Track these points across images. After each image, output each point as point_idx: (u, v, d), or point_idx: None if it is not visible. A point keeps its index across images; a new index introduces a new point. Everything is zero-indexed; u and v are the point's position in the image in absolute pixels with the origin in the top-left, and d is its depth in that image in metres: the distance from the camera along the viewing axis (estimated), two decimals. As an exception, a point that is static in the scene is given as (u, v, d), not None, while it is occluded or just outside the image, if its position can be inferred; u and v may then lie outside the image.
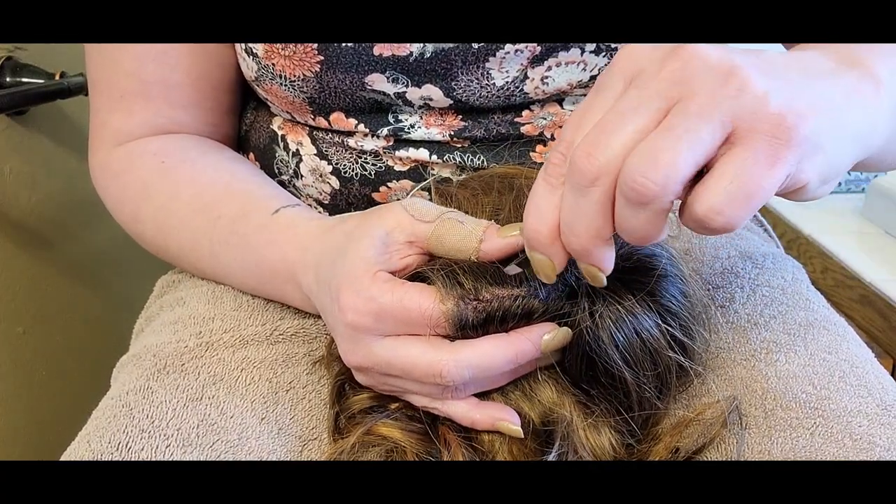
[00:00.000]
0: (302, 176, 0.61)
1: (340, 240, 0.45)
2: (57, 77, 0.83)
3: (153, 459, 0.42)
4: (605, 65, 0.55)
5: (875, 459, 0.40)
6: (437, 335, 0.41)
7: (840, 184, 1.23)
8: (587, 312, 0.41)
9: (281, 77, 0.55)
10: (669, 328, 0.42)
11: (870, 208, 1.15)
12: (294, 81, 0.55)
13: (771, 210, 1.22)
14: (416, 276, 0.43)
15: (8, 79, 0.82)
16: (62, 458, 0.44)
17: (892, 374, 0.95)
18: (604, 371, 0.42)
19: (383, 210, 0.44)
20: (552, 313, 0.41)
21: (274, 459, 0.44)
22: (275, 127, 0.62)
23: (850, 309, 1.02)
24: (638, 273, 0.42)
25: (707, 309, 0.47)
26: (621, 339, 0.41)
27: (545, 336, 0.41)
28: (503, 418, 0.42)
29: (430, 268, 0.42)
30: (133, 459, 0.42)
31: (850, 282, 1.02)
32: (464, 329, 0.41)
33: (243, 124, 0.66)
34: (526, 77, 0.54)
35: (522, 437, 0.42)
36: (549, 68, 0.54)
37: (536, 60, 0.54)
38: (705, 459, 0.44)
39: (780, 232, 1.18)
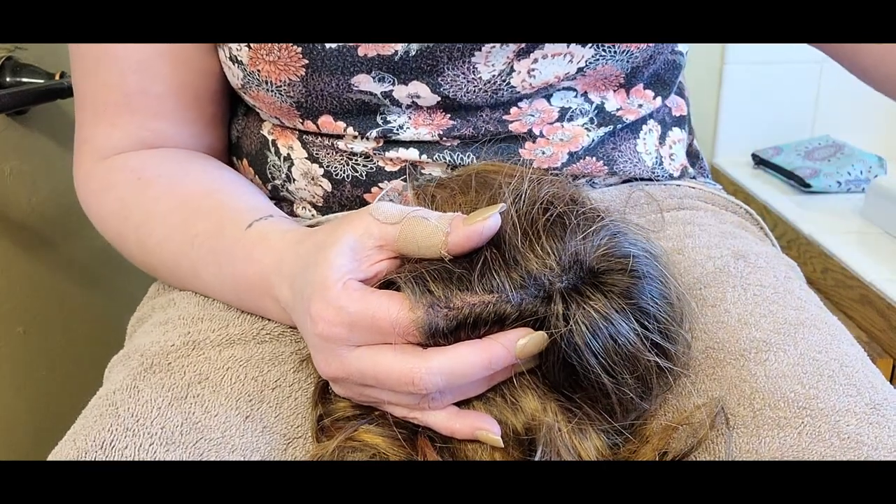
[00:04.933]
0: (294, 180, 0.61)
1: (312, 251, 0.44)
2: (57, 77, 0.83)
3: (137, 458, 0.42)
4: (592, 56, 0.54)
5: (862, 459, 0.40)
6: (409, 343, 0.41)
7: (840, 183, 1.22)
8: (561, 318, 0.40)
9: (267, 83, 0.55)
10: (647, 332, 0.41)
11: (870, 208, 1.14)
12: (280, 86, 0.55)
13: (771, 210, 1.21)
14: (388, 284, 0.42)
15: (8, 79, 0.82)
16: (49, 457, 0.44)
17: (893, 374, 0.95)
18: (583, 376, 0.41)
19: (352, 217, 0.43)
20: (526, 318, 0.40)
21: (257, 458, 0.44)
22: (265, 132, 0.62)
23: (850, 309, 1.01)
24: (614, 274, 0.41)
25: (690, 309, 0.46)
26: (598, 346, 0.40)
27: (520, 341, 0.40)
28: (482, 427, 0.42)
29: (400, 274, 0.41)
30: (117, 458, 0.42)
31: (850, 282, 1.01)
32: (435, 337, 0.40)
33: (234, 131, 0.66)
34: (512, 70, 0.54)
35: (502, 446, 0.42)
36: (536, 60, 0.54)
37: (522, 53, 0.54)
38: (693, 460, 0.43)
39: (780, 232, 1.17)
